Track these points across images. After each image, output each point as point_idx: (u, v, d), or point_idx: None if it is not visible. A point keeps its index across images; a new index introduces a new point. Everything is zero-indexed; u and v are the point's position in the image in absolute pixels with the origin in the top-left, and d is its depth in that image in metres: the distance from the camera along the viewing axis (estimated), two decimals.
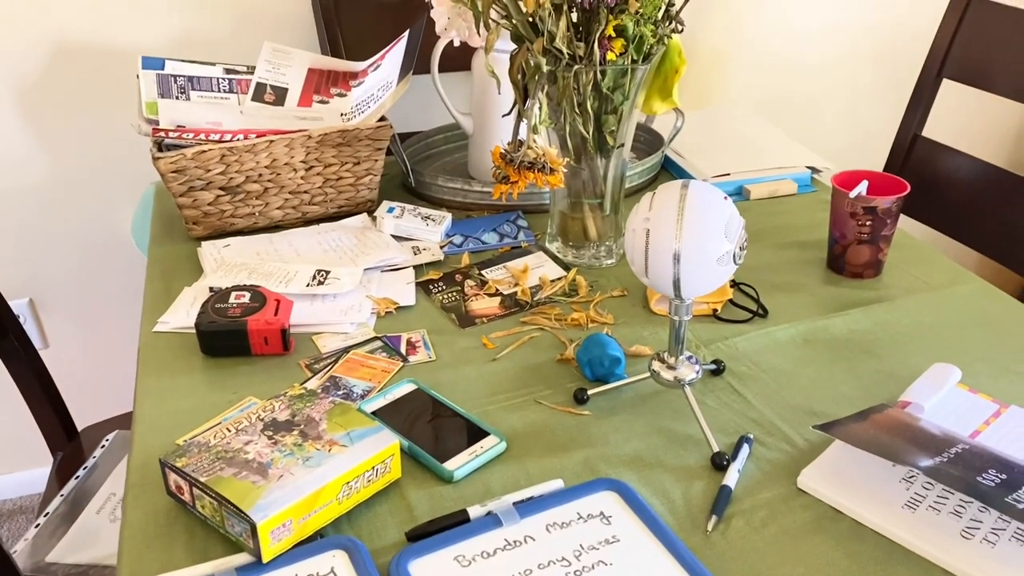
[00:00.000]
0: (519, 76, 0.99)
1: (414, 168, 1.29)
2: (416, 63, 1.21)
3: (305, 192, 1.18)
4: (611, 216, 1.10)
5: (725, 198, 0.74)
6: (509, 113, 1.03)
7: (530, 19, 0.90)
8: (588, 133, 1.00)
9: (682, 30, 1.00)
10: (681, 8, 0.97)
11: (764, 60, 1.89)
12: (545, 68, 0.92)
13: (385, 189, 1.28)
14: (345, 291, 1.01)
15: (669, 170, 1.37)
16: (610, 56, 0.93)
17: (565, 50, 0.90)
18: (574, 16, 0.93)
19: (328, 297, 1.01)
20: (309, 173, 1.16)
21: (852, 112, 2.03)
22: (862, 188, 1.02)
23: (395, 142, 1.27)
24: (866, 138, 2.03)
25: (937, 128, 1.57)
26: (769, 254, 1.12)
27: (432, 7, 1.12)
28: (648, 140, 1.42)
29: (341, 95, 1.27)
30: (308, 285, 1.01)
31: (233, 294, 0.94)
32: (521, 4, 0.88)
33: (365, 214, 1.21)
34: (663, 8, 0.94)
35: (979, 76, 1.48)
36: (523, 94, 0.99)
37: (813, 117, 1.99)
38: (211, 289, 1.01)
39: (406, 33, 1.26)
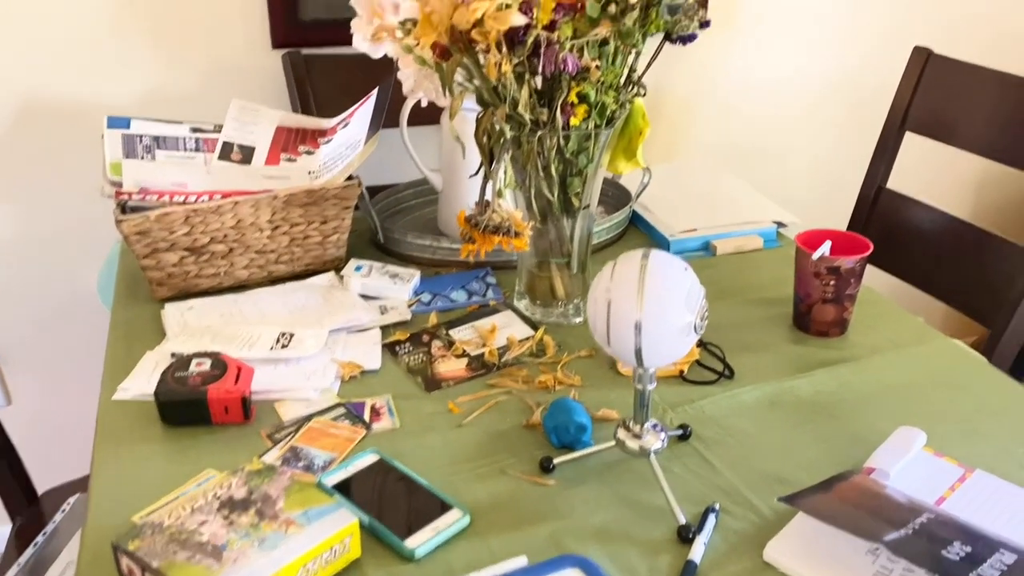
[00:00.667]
0: (485, 139, 0.99)
1: (383, 225, 1.29)
2: (386, 118, 1.21)
3: (271, 252, 1.17)
4: (578, 275, 1.10)
5: (685, 268, 0.74)
6: (476, 174, 1.04)
7: (494, 86, 0.90)
8: (553, 196, 1.01)
9: (644, 94, 1.01)
10: (643, 74, 0.98)
11: (730, 111, 1.92)
12: (509, 134, 0.92)
13: (354, 245, 1.27)
14: (310, 354, 1.00)
15: (637, 225, 1.37)
16: (573, 121, 0.94)
17: (528, 116, 0.90)
18: (537, 82, 0.94)
19: (292, 361, 1.00)
20: (275, 233, 1.16)
21: (818, 164, 2.05)
22: (825, 248, 1.03)
23: (364, 198, 1.27)
24: (832, 189, 2.05)
25: (902, 180, 1.59)
26: (736, 311, 1.13)
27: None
28: (616, 195, 1.43)
29: (309, 153, 1.27)
30: (272, 348, 1.00)
31: (194, 361, 0.92)
32: (484, 71, 0.88)
33: (332, 272, 1.20)
34: (624, 75, 0.95)
35: (940, 129, 1.51)
36: (489, 156, 1.00)
37: (779, 168, 2.01)
38: (173, 355, 1.00)
39: (375, 91, 1.27)
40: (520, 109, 0.89)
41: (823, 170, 2.05)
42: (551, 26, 0.86)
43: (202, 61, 1.51)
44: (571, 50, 0.84)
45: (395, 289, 1.15)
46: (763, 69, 1.90)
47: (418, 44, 0.94)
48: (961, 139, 1.48)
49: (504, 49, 0.85)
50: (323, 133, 1.30)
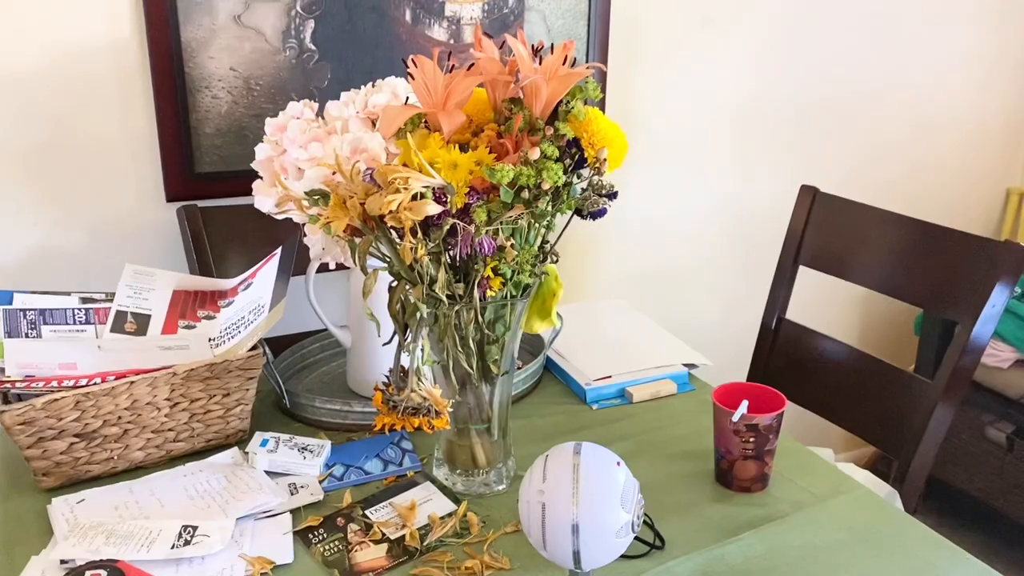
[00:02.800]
0: (399, 310, 0.96)
1: (289, 389, 1.23)
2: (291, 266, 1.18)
3: (170, 430, 1.10)
4: (500, 440, 1.07)
5: (618, 463, 0.73)
6: (389, 342, 1.00)
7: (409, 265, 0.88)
8: (472, 367, 0.98)
9: (557, 260, 1.01)
10: (555, 243, 0.98)
11: (632, 242, 1.96)
12: (425, 312, 0.90)
13: (258, 409, 1.21)
14: (215, 551, 0.92)
15: (552, 372, 1.36)
16: (489, 293, 0.93)
17: (444, 295, 0.89)
18: (452, 255, 0.93)
19: (196, 560, 0.92)
20: (174, 410, 1.09)
21: (717, 291, 2.11)
22: (743, 408, 1.03)
23: (268, 361, 1.21)
24: (731, 316, 2.11)
25: (802, 310, 1.64)
26: (659, 468, 1.11)
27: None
28: (528, 340, 1.42)
29: (209, 317, 1.21)
30: (173, 547, 0.92)
31: (88, 574, 0.84)
32: (400, 253, 0.86)
33: (236, 448, 1.13)
34: (537, 245, 0.95)
35: (829, 263, 1.57)
36: (403, 326, 0.97)
37: (681, 297, 2.06)
38: (63, 562, 0.90)
39: (279, 250, 1.23)
40: (437, 289, 0.87)
41: (725, 300, 2.11)
42: (465, 210, 0.86)
43: (93, 217, 1.44)
44: (486, 233, 0.84)
45: (305, 464, 1.09)
46: (660, 201, 1.96)
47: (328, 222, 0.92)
48: (849, 272, 1.54)
49: (419, 234, 0.84)
50: (223, 295, 1.25)
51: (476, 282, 0.90)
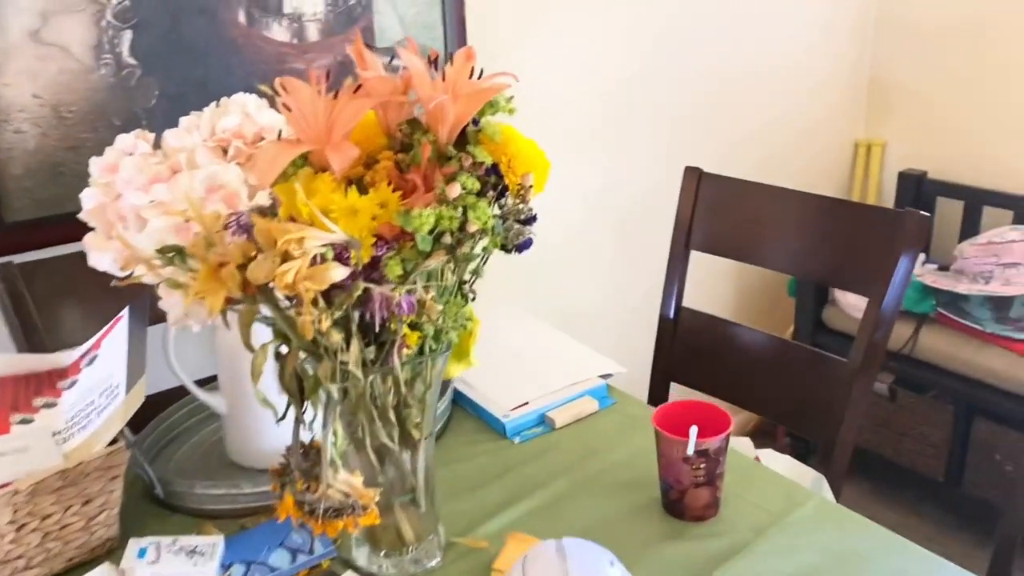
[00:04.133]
0: (293, 383, 0.80)
1: (161, 476, 1.04)
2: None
3: (19, 558, 0.89)
4: (428, 509, 0.93)
5: (611, 563, 0.61)
6: (283, 418, 0.84)
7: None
8: (393, 440, 0.83)
9: (474, 299, 0.87)
10: (473, 281, 0.84)
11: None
12: (336, 393, 0.75)
13: (126, 505, 1.01)
14: None
15: (462, 406, 1.23)
16: (406, 352, 0.78)
17: (358, 372, 0.73)
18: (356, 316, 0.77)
19: None
20: (22, 533, 0.88)
21: (600, 277, 2.03)
22: (693, 435, 0.94)
23: (132, 450, 1.01)
24: (617, 303, 2.05)
25: (697, 295, 1.58)
26: (602, 506, 1.01)
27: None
28: None
29: (49, 405, 1.00)
30: None
31: None
32: (299, 330, 0.70)
33: (107, 564, 0.94)
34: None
35: (723, 246, 1.52)
36: (300, 398, 0.81)
37: (565, 286, 1.97)
38: None
39: (126, 311, 1.03)
40: (351, 365, 0.72)
41: (610, 286, 2.03)
42: (374, 264, 0.70)
43: None
44: (404, 291, 0.69)
45: (196, 571, 0.91)
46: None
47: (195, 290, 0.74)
48: (745, 254, 1.49)
49: (321, 302, 0.68)
50: (63, 374, 1.04)
51: (396, 346, 0.75)
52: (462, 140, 0.76)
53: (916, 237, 1.26)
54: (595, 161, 1.94)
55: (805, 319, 2.19)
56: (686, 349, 1.54)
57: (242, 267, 0.70)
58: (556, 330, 1.42)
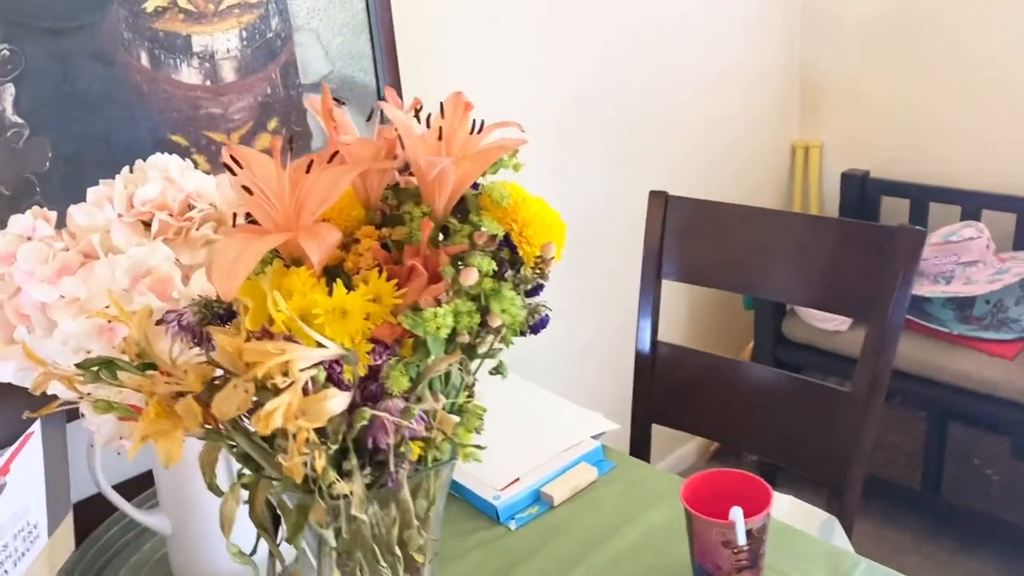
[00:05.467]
0: (265, 515, 0.64)
1: None
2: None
3: None
4: None
5: None
6: (253, 553, 0.68)
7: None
8: (399, 574, 0.68)
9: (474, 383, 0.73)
10: (477, 369, 0.70)
11: None
12: (333, 540, 0.59)
13: None
14: None
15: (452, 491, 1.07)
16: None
17: (362, 513, 0.58)
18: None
19: None
20: None
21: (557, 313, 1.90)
22: (740, 519, 0.82)
23: None
24: (569, 336, 1.92)
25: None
26: None
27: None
28: None
29: None
30: None
31: None
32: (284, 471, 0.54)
33: None
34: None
35: (698, 274, 1.41)
36: (274, 531, 0.65)
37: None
38: None
39: (37, 425, 0.85)
40: (354, 508, 0.57)
41: (560, 317, 1.91)
42: (372, 375, 0.55)
43: None
44: (417, 411, 0.54)
45: None
46: None
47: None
48: (724, 281, 1.39)
49: (313, 437, 0.52)
50: None
51: (397, 468, 0.60)
52: (460, 207, 0.62)
53: (912, 254, 1.17)
54: (541, 187, 1.81)
55: (765, 333, 2.11)
56: (667, 388, 1.43)
57: (202, 396, 0.54)
58: (528, 381, 1.29)
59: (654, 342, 1.44)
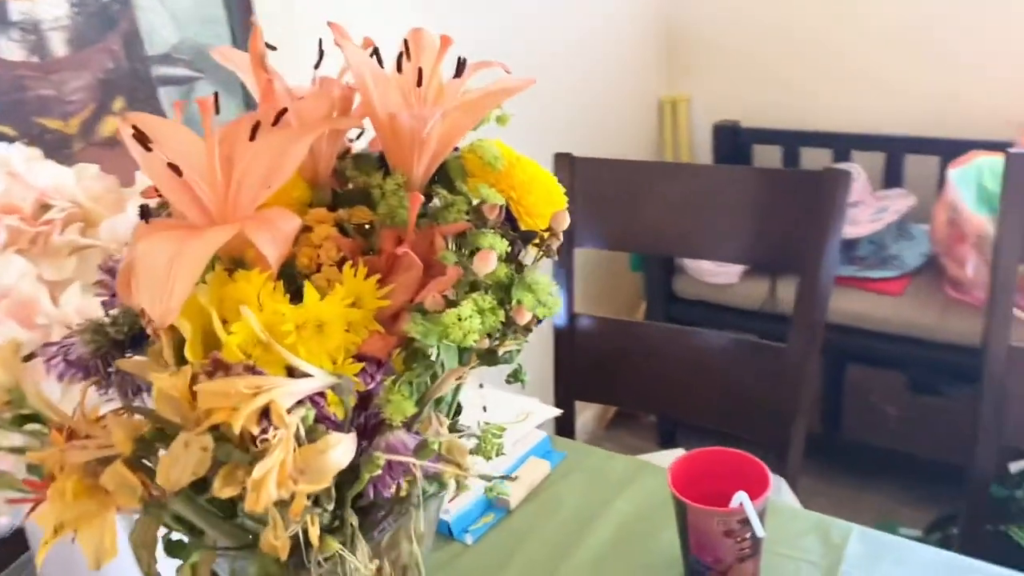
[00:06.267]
0: None
1: None
2: None
3: None
4: None
5: None
6: None
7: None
8: None
9: None
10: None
11: None
12: None
13: None
14: None
15: None
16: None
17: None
18: None
19: None
20: None
21: None
22: (748, 504, 0.73)
23: None
24: None
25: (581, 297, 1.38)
26: None
27: None
28: None
29: None
30: None
31: None
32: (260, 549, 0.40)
33: None
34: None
35: (613, 239, 1.32)
36: None
37: None
38: None
39: None
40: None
41: None
42: (363, 403, 0.42)
43: None
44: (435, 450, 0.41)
45: None
46: None
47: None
48: (641, 244, 1.31)
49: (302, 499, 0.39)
50: None
51: (391, 517, 0.47)
52: (438, 175, 0.49)
53: (841, 199, 1.13)
54: None
55: (656, 293, 2.06)
56: (590, 362, 1.34)
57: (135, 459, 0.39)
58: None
59: (571, 315, 1.35)
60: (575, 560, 0.85)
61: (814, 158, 2.14)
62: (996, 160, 1.67)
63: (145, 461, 0.42)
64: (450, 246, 0.42)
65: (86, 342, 0.51)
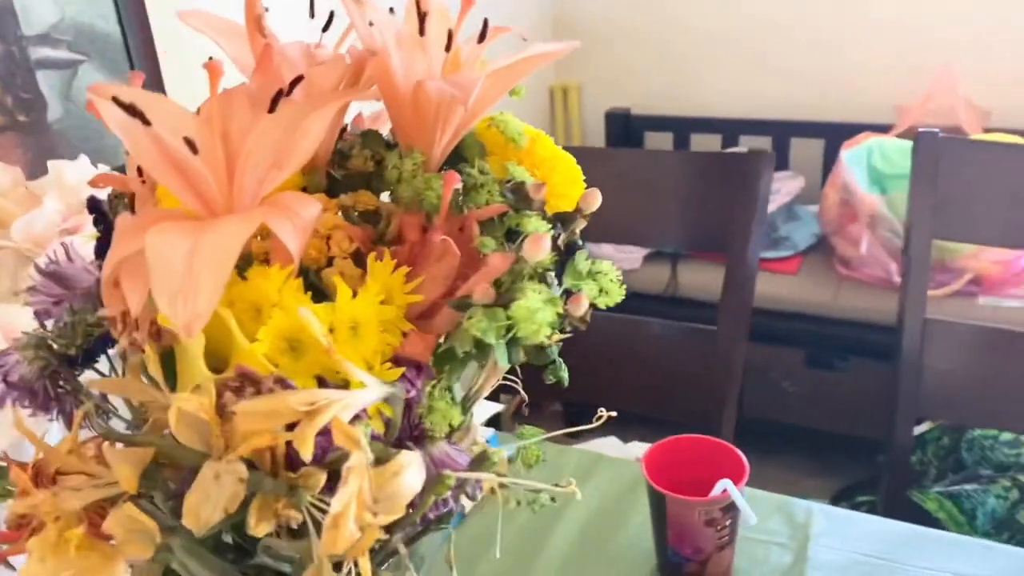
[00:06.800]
0: None
1: None
2: None
3: None
4: None
5: None
6: None
7: None
8: None
9: None
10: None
11: None
12: None
13: None
14: None
15: None
16: None
17: None
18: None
19: None
20: None
21: None
22: (734, 491, 0.71)
23: None
24: None
25: None
26: None
27: None
28: None
29: None
30: None
31: None
32: None
33: None
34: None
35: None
36: None
37: None
38: None
39: None
40: None
41: None
42: (405, 410, 0.37)
43: None
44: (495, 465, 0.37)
45: None
46: None
47: None
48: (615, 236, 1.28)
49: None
50: None
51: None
52: (455, 155, 0.44)
53: (766, 181, 1.14)
54: None
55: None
56: (573, 347, 1.30)
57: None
58: None
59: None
60: (542, 561, 0.81)
61: (704, 143, 2.18)
62: (886, 141, 1.75)
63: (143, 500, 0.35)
64: (493, 233, 0.37)
65: (29, 360, 0.43)
